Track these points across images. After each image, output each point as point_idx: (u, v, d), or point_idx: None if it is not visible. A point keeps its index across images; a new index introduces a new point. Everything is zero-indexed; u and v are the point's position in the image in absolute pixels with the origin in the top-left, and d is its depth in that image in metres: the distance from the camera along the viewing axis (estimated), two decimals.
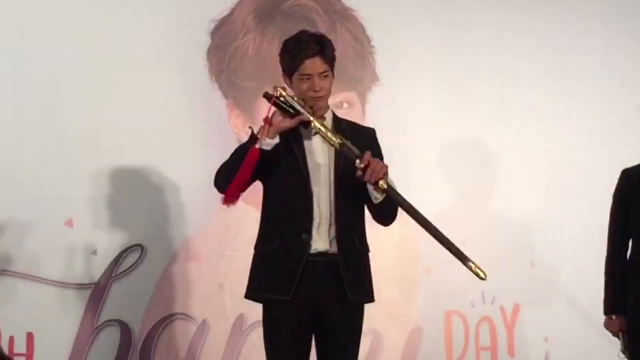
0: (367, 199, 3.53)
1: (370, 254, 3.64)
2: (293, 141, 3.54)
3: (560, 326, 5.25)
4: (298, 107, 3.46)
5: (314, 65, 3.50)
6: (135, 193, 4.67)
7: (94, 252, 4.58)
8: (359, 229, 3.61)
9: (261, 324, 3.60)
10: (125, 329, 4.60)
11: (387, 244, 4.80)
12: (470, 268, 3.47)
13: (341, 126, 3.63)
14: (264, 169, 3.48)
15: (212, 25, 4.86)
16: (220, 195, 3.52)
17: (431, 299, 5.10)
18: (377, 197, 3.49)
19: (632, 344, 4.10)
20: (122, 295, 4.60)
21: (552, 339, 5.26)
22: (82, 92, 4.60)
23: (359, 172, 3.42)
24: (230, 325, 4.77)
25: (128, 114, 4.66)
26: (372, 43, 5.11)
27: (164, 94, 4.73)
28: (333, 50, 3.58)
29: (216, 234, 4.80)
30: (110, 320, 4.59)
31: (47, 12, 4.60)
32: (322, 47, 3.53)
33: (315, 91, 3.51)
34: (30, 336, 4.47)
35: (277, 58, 3.62)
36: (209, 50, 4.85)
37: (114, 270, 4.61)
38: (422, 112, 5.15)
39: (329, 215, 3.53)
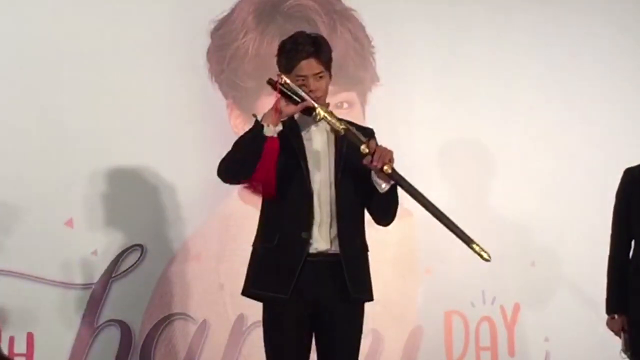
0: (369, 195, 3.52)
1: (370, 254, 3.63)
2: (291, 137, 3.53)
3: (561, 326, 5.24)
4: (302, 94, 3.46)
5: (309, 66, 3.50)
6: (135, 193, 4.67)
7: (94, 252, 4.58)
8: (359, 229, 3.60)
9: (261, 324, 3.60)
10: (125, 329, 4.61)
11: (387, 244, 4.80)
12: (474, 249, 3.46)
13: None
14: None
15: (212, 26, 4.87)
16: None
17: (431, 299, 5.10)
18: (382, 186, 3.48)
19: (633, 344, 4.10)
20: (122, 296, 4.60)
21: (553, 339, 5.25)
22: (82, 92, 4.61)
23: (368, 157, 3.42)
24: (230, 326, 4.77)
25: (128, 114, 4.66)
26: (372, 43, 5.11)
27: (164, 94, 4.73)
28: (329, 51, 3.58)
29: (216, 234, 4.80)
30: (111, 321, 4.59)
31: (47, 12, 4.61)
32: (317, 48, 3.53)
33: (310, 92, 3.51)
34: (30, 336, 4.47)
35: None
36: (209, 51, 4.85)
37: (114, 271, 4.61)
38: (422, 112, 5.15)
39: (330, 214, 3.53)
